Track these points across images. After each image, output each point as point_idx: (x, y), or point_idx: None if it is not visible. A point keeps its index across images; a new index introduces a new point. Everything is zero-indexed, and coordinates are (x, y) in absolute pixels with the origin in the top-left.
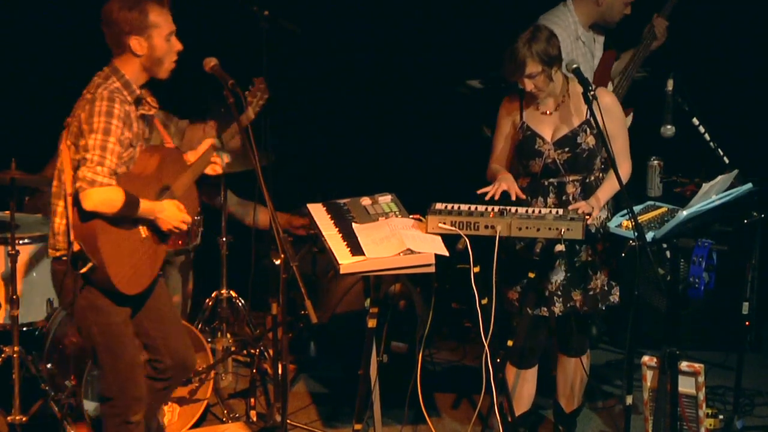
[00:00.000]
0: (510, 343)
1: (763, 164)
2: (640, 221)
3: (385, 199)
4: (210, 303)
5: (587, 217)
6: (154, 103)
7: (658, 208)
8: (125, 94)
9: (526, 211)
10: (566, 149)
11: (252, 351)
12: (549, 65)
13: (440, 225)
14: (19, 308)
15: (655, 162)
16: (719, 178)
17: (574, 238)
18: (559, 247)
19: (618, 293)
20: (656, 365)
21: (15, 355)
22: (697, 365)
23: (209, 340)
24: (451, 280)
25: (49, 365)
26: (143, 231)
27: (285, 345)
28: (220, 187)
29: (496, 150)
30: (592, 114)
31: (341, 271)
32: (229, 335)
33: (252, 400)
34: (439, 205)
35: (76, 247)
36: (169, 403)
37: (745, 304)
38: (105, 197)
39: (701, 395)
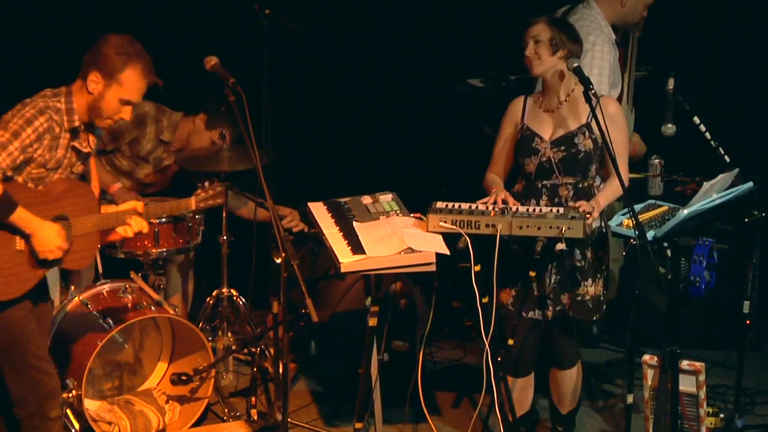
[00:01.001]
0: (511, 342)
1: (763, 163)
2: (640, 220)
3: (386, 198)
4: (211, 302)
5: (588, 216)
6: (92, 145)
7: (658, 207)
8: (64, 119)
9: (527, 209)
10: (562, 148)
11: (253, 350)
12: (557, 42)
13: (441, 224)
14: None
15: (656, 161)
16: (720, 176)
17: (574, 237)
18: (560, 246)
19: (603, 308)
20: (657, 364)
21: None
22: (697, 364)
23: (210, 338)
24: (452, 278)
25: None
26: (20, 243)
27: (286, 344)
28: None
29: (495, 154)
30: (593, 111)
31: (342, 270)
32: (229, 334)
33: (253, 398)
34: (439, 204)
35: None
36: (170, 402)
37: (746, 303)
38: None
39: (702, 394)
